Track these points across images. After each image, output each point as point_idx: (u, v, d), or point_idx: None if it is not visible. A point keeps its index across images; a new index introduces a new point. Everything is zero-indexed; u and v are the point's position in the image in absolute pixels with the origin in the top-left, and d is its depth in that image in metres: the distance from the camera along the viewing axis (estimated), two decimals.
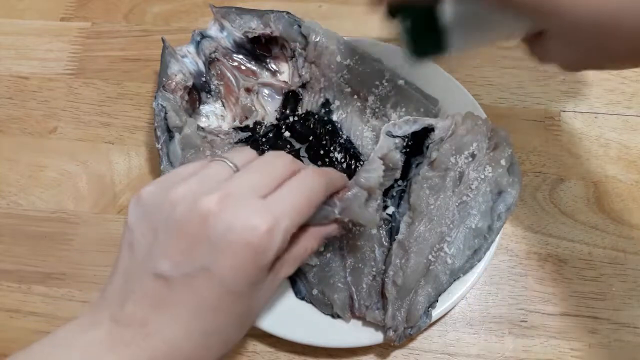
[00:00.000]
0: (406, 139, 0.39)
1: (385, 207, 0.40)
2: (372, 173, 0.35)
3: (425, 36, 0.32)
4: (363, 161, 0.43)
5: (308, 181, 0.30)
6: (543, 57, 0.30)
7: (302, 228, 0.30)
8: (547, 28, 0.27)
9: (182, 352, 0.26)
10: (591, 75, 0.49)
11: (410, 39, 0.33)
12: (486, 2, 0.28)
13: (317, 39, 0.43)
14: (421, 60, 0.35)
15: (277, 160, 0.31)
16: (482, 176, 0.38)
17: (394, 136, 0.39)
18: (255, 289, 0.28)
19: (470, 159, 0.39)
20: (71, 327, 0.27)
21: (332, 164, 0.43)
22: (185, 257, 0.26)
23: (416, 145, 0.40)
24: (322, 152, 0.43)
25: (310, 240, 0.32)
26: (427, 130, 0.40)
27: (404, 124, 0.39)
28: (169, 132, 0.41)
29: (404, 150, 0.40)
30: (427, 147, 0.40)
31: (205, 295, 0.26)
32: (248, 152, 0.32)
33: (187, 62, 0.44)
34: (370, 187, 0.34)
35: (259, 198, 0.28)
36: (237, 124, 0.44)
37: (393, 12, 0.32)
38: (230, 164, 0.30)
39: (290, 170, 0.30)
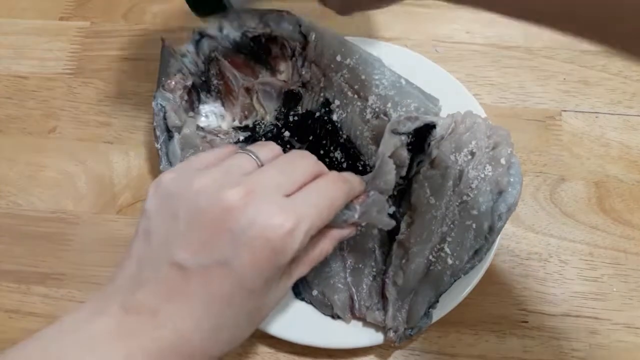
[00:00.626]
0: (410, 136, 0.39)
1: None
2: (388, 176, 0.35)
3: None
4: (363, 161, 0.42)
5: (331, 186, 0.30)
6: (325, 2, 0.34)
7: (320, 230, 0.30)
8: None
9: (191, 344, 0.26)
10: (592, 75, 0.48)
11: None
12: None
13: (317, 39, 0.43)
14: (206, 16, 0.37)
15: (302, 160, 0.31)
16: (482, 175, 0.38)
17: (398, 133, 0.39)
18: (269, 287, 0.28)
19: (469, 157, 0.39)
20: (78, 315, 0.27)
21: (332, 164, 0.42)
22: (204, 248, 0.26)
23: (418, 144, 0.40)
24: (322, 152, 0.43)
25: (327, 242, 0.32)
26: (429, 128, 0.40)
27: (407, 120, 0.39)
28: (168, 132, 0.41)
29: (408, 148, 0.39)
30: (429, 145, 0.40)
31: (220, 289, 0.26)
32: (273, 147, 0.32)
33: (186, 62, 0.44)
34: (387, 190, 0.34)
35: (283, 197, 0.28)
36: (236, 123, 0.44)
37: None
38: (255, 158, 0.30)
39: (314, 172, 0.30)
